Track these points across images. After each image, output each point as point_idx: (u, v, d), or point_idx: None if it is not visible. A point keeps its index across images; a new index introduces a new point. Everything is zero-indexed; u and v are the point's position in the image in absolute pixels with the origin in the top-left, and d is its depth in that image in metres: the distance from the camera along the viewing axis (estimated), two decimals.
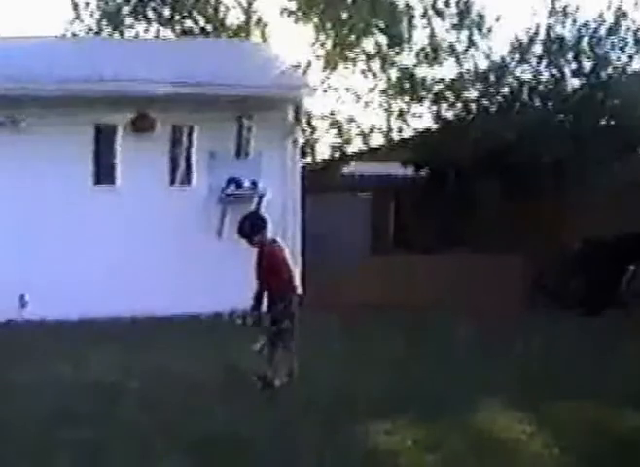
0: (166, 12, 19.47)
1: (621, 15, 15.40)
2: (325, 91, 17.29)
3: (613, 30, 15.37)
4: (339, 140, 17.23)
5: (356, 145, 17.74)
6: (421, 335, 10.26)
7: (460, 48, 16.78)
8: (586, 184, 13.91)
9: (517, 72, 16.00)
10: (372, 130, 17.30)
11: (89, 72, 12.03)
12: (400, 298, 12.20)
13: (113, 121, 12.15)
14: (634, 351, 9.11)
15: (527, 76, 15.88)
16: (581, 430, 6.14)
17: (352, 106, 17.47)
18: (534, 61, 15.75)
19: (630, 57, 15.44)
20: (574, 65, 15.46)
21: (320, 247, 12.50)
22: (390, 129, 17.09)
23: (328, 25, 17.26)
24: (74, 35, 19.23)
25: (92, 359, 8.73)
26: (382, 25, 16.88)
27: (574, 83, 15.64)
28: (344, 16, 17.06)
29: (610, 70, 15.41)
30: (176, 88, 11.83)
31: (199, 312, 11.37)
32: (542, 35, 15.63)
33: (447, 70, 16.83)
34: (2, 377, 7.87)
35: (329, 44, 17.38)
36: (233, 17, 19.53)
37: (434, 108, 16.64)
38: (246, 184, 12.14)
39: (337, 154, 17.49)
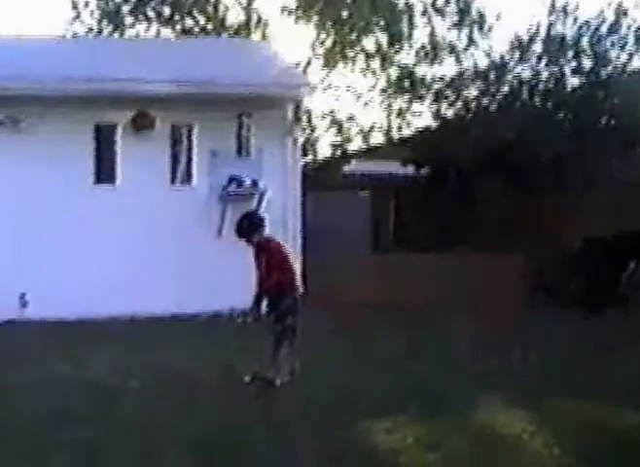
0: (166, 11, 19.45)
1: (621, 13, 15.38)
2: (325, 90, 17.28)
3: (613, 29, 15.35)
4: (340, 139, 17.23)
5: (356, 144, 17.74)
6: (421, 333, 10.26)
7: (460, 46, 16.76)
8: (587, 183, 13.90)
9: (517, 71, 15.98)
10: (371, 129, 17.28)
11: (90, 71, 12.04)
12: (400, 296, 12.21)
13: (113, 120, 12.15)
14: (634, 350, 9.11)
15: (527, 74, 15.86)
16: (581, 429, 6.13)
17: (352, 105, 17.46)
18: (534, 60, 15.73)
19: (630, 56, 15.42)
20: (574, 64, 15.45)
21: (320, 246, 12.49)
22: (390, 128, 17.07)
23: (328, 24, 17.24)
24: (74, 35, 19.22)
25: (92, 358, 8.73)
26: (382, 24, 16.87)
27: (574, 81, 15.63)
28: (344, 14, 17.04)
29: (610, 69, 15.39)
30: (176, 87, 11.84)
31: (200, 311, 11.38)
32: (542, 34, 15.61)
33: (447, 69, 16.82)
34: (2, 377, 7.88)
35: (329, 42, 17.36)
36: (234, 16, 19.52)
37: (434, 107, 16.62)
38: (247, 183, 12.13)
39: (338, 152, 17.48)
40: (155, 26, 19.60)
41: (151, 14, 19.40)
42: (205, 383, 7.59)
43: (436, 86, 16.62)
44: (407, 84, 16.82)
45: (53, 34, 18.45)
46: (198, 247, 11.93)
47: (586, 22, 15.42)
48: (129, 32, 19.45)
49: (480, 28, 16.76)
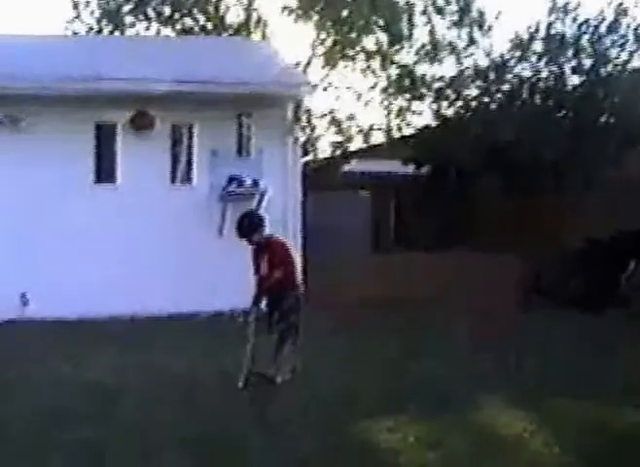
0: (167, 10, 19.46)
1: (621, 12, 15.37)
2: (325, 89, 17.28)
3: (613, 28, 15.33)
4: (340, 138, 17.22)
5: (357, 143, 17.73)
6: (421, 333, 10.26)
7: (460, 45, 16.75)
8: (586, 182, 13.89)
9: (518, 69, 15.97)
10: (372, 128, 17.28)
11: (89, 71, 12.02)
12: (400, 296, 12.20)
13: (113, 119, 12.14)
14: (634, 350, 9.11)
15: (527, 73, 15.86)
16: (581, 428, 6.14)
17: (352, 104, 17.46)
18: (534, 59, 15.72)
19: (630, 55, 15.40)
20: (574, 63, 15.43)
21: (321, 245, 12.49)
22: (390, 127, 17.07)
23: (328, 23, 17.23)
24: (74, 34, 19.22)
25: (92, 358, 8.74)
26: (382, 23, 16.86)
27: (574, 80, 15.62)
28: (344, 13, 17.03)
29: (610, 68, 15.38)
30: (176, 86, 11.82)
31: (200, 311, 11.38)
32: (542, 32, 15.60)
33: (448, 68, 16.81)
34: (2, 376, 7.88)
35: (329, 42, 17.35)
36: (234, 16, 19.52)
37: (434, 106, 16.62)
38: (247, 182, 12.12)
39: (338, 152, 17.48)
40: (155, 26, 19.61)
41: (151, 13, 19.41)
42: (205, 382, 7.60)
43: (436, 85, 16.60)
44: (407, 83, 16.81)
45: (54, 33, 18.46)
46: (199, 247, 11.93)
47: (586, 21, 15.40)
48: (129, 32, 19.45)
49: (480, 27, 16.75)
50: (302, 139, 14.21)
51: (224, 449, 5.72)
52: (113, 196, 12.12)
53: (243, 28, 19.15)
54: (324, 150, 17.72)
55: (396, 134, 17.40)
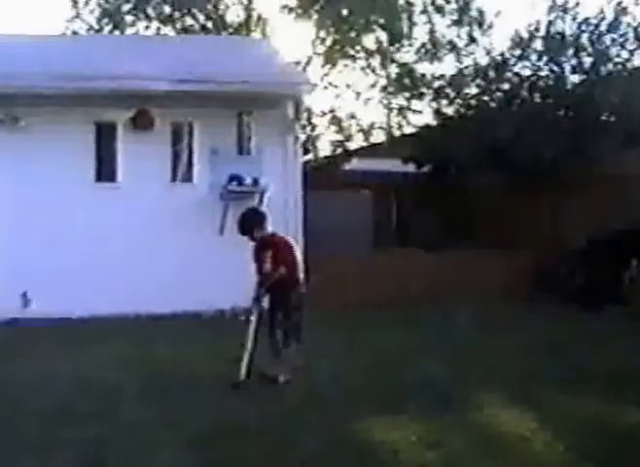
0: (167, 9, 19.48)
1: (621, 11, 15.38)
2: (325, 88, 17.31)
3: (613, 26, 15.34)
4: (340, 137, 17.25)
5: (357, 142, 17.77)
6: (422, 331, 10.28)
7: (460, 44, 16.79)
8: (586, 180, 13.90)
9: (517, 68, 15.99)
10: (372, 127, 17.31)
11: (89, 70, 12.02)
12: (401, 294, 12.22)
13: (113, 118, 12.15)
14: (636, 348, 9.13)
15: (527, 72, 15.87)
16: (583, 427, 6.14)
17: (352, 103, 17.50)
18: (534, 57, 15.73)
19: (630, 53, 15.42)
20: (574, 61, 15.44)
21: (322, 244, 12.49)
22: (390, 126, 17.10)
23: (328, 22, 17.26)
24: (74, 33, 19.23)
25: (94, 356, 8.75)
26: (382, 22, 16.89)
27: (574, 79, 15.63)
28: (344, 12, 17.06)
29: (610, 66, 15.39)
30: (176, 85, 11.82)
31: (201, 309, 11.39)
32: (542, 31, 15.62)
33: (447, 66, 16.87)
34: (5, 374, 7.90)
35: (329, 41, 17.39)
36: (234, 15, 19.56)
37: (434, 104, 16.63)
38: (248, 181, 12.12)
39: (339, 150, 17.51)
40: (155, 25, 19.63)
41: (151, 12, 19.43)
42: (207, 380, 7.60)
43: (436, 83, 16.63)
44: (407, 81, 16.85)
45: (54, 32, 18.49)
46: (199, 245, 11.94)
47: (586, 20, 15.42)
48: (129, 31, 19.48)
49: (480, 26, 16.79)
50: (303, 138, 14.22)
51: (226, 443, 5.74)
52: (113, 194, 12.12)
53: (243, 27, 19.17)
54: (324, 149, 17.76)
55: (396, 133, 17.45)
